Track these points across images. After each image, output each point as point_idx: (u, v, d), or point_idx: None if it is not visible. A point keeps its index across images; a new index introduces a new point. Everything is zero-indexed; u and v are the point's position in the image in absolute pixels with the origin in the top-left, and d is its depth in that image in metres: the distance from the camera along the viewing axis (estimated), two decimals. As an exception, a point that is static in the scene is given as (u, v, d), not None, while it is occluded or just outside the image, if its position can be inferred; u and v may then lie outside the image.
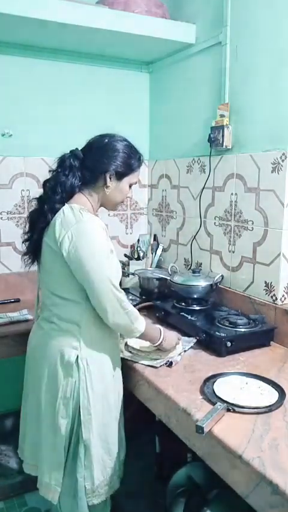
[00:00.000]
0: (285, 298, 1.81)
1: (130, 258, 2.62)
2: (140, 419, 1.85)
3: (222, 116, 2.00)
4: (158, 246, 2.63)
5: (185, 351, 1.67)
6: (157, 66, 2.53)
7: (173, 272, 2.21)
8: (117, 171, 1.46)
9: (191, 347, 1.71)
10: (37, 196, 1.49)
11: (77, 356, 1.41)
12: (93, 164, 1.44)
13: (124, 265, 2.61)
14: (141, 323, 1.45)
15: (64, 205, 1.40)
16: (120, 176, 1.47)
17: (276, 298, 1.81)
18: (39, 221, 1.43)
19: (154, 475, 2.01)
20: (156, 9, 2.16)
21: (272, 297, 1.83)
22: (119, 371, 1.56)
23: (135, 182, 1.56)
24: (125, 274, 2.54)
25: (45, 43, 2.23)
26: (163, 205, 2.61)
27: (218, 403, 1.25)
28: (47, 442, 1.46)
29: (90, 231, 1.35)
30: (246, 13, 1.86)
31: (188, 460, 1.74)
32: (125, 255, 2.65)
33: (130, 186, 1.53)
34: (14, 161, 2.32)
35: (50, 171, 1.48)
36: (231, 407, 1.24)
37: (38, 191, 2.34)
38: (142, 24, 2.07)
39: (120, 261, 2.63)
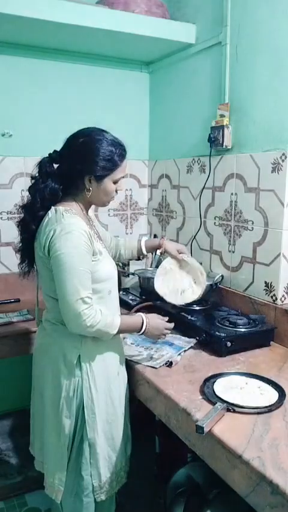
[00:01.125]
0: (285, 298, 1.81)
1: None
2: (140, 419, 1.85)
3: (222, 116, 2.00)
4: (158, 246, 2.62)
5: (184, 351, 1.67)
6: (157, 66, 2.53)
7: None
8: (95, 175, 1.37)
9: (191, 347, 1.71)
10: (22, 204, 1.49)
11: (79, 356, 1.41)
12: (69, 170, 1.38)
13: (124, 265, 2.61)
14: (111, 327, 1.38)
15: (49, 209, 1.38)
16: (99, 178, 1.38)
17: (276, 298, 1.81)
18: (25, 232, 1.43)
19: (154, 475, 2.01)
20: (156, 9, 2.16)
21: (272, 297, 1.83)
22: (123, 368, 1.56)
23: (122, 177, 1.44)
24: (125, 274, 2.54)
25: (45, 43, 2.23)
26: (163, 205, 2.61)
27: (218, 403, 1.25)
28: (51, 441, 1.47)
29: (67, 233, 1.30)
30: (246, 13, 1.86)
31: (188, 460, 1.74)
32: (125, 255, 2.64)
33: (116, 183, 1.43)
34: (14, 161, 2.32)
35: (31, 178, 1.44)
36: (231, 407, 1.24)
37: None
38: (142, 24, 2.07)
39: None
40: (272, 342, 1.76)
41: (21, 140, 2.31)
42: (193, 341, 1.74)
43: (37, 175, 1.42)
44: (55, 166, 1.42)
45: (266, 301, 1.85)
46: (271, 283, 1.83)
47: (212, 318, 1.84)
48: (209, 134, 2.03)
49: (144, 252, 1.81)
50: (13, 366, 2.39)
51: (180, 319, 1.88)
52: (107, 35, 2.06)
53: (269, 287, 1.85)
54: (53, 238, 1.30)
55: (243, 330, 1.70)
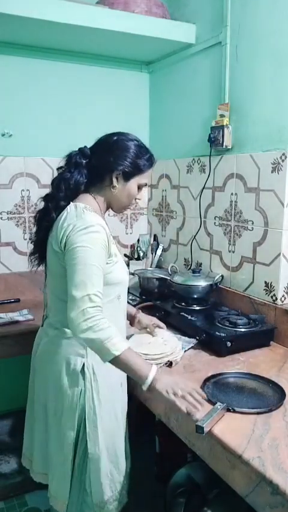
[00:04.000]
0: (285, 298, 1.81)
1: (130, 258, 2.61)
2: (140, 419, 1.85)
3: (222, 116, 2.00)
4: (158, 246, 2.63)
5: (185, 351, 1.67)
6: (157, 66, 2.53)
7: (173, 272, 2.21)
8: (124, 171, 1.37)
9: (191, 347, 1.71)
10: (43, 195, 1.44)
11: (83, 364, 1.34)
12: (100, 163, 1.37)
13: (124, 265, 2.61)
14: (113, 344, 1.19)
15: (69, 203, 1.34)
16: (127, 176, 1.38)
17: (276, 298, 1.81)
18: (44, 220, 1.39)
19: (154, 475, 2.01)
20: (156, 9, 2.16)
21: (272, 297, 1.83)
22: (125, 379, 1.48)
23: (145, 184, 1.45)
24: (125, 274, 2.54)
25: (45, 43, 2.23)
26: (163, 205, 2.61)
27: (218, 403, 1.24)
28: (55, 454, 1.40)
29: (87, 228, 1.26)
30: (246, 13, 1.86)
31: (188, 460, 1.74)
32: (125, 255, 2.64)
33: (139, 188, 1.43)
34: (14, 161, 2.32)
35: (57, 169, 1.43)
36: (231, 407, 1.24)
37: (38, 191, 2.38)
38: (142, 24, 2.07)
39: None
40: (272, 342, 1.76)
41: (21, 140, 2.31)
42: (193, 341, 1.74)
43: (64, 165, 1.41)
44: (83, 160, 1.40)
45: (266, 301, 1.85)
46: (271, 283, 1.83)
47: (212, 318, 1.84)
48: (209, 134, 2.03)
49: None
50: (13, 366, 2.38)
51: (180, 319, 1.89)
52: (107, 35, 2.06)
53: (269, 287, 1.85)
54: (70, 233, 1.25)
55: (243, 330, 1.70)
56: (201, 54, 2.18)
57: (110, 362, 1.21)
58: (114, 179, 1.37)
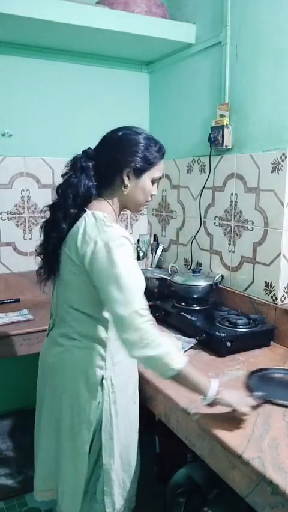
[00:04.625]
0: (285, 298, 1.81)
1: (130, 258, 2.61)
2: (140, 419, 1.84)
3: (222, 116, 2.00)
4: (158, 246, 2.63)
5: (185, 351, 1.67)
6: (157, 66, 2.53)
7: (173, 272, 2.21)
8: (134, 168, 1.27)
9: (191, 347, 1.71)
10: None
11: (102, 376, 1.29)
12: (107, 163, 1.28)
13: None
14: (172, 359, 1.14)
15: (82, 210, 1.24)
16: (139, 172, 1.28)
17: (276, 298, 1.81)
18: (53, 231, 1.27)
19: (154, 475, 2.01)
20: (156, 9, 2.16)
21: (272, 297, 1.83)
22: (137, 387, 1.45)
23: (159, 178, 1.35)
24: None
25: (45, 43, 2.23)
26: (163, 205, 2.61)
27: (257, 392, 1.28)
28: (68, 469, 1.35)
29: (114, 247, 1.17)
30: (246, 13, 1.86)
31: (188, 460, 1.74)
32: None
33: (153, 182, 1.33)
34: (14, 161, 2.32)
35: (62, 175, 1.33)
36: (269, 398, 1.27)
37: (38, 191, 2.38)
38: (142, 24, 2.07)
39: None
40: (272, 342, 1.76)
41: (21, 140, 2.31)
42: (193, 341, 1.74)
43: (70, 171, 1.30)
44: (90, 163, 1.30)
45: (266, 301, 1.85)
46: (271, 283, 1.83)
47: (212, 318, 1.84)
48: (209, 134, 2.03)
49: None
50: (13, 366, 2.38)
51: (180, 319, 1.89)
52: (107, 35, 2.06)
53: (269, 287, 1.85)
54: (97, 250, 1.17)
55: (243, 330, 1.70)
56: (201, 55, 2.18)
57: (169, 378, 1.16)
58: (126, 178, 1.28)
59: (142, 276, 1.22)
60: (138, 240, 2.71)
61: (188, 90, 2.31)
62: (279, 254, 1.78)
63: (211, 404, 1.18)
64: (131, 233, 2.71)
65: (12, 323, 1.95)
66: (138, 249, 2.64)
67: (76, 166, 1.29)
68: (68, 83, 2.39)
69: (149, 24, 2.09)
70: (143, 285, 1.21)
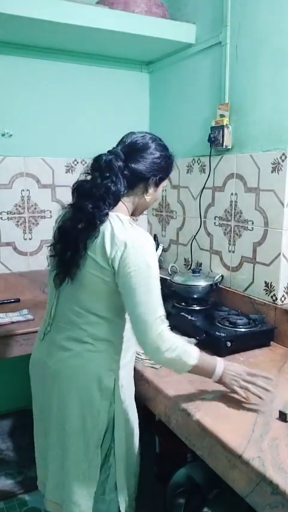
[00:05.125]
0: (285, 298, 1.81)
1: (130, 258, 2.61)
2: (140, 419, 1.84)
3: (222, 116, 2.00)
4: (158, 246, 2.62)
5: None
6: (157, 66, 2.53)
7: (173, 272, 2.21)
8: (159, 177, 1.32)
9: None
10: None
11: (114, 379, 1.30)
12: (137, 169, 1.27)
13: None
14: (189, 355, 1.23)
15: (110, 216, 1.23)
16: (159, 182, 1.34)
17: (276, 298, 1.81)
18: (83, 234, 1.21)
19: (154, 475, 2.01)
20: (156, 9, 2.16)
21: (272, 297, 1.83)
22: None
23: (166, 185, 1.45)
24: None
25: (45, 43, 2.23)
26: (163, 205, 2.61)
27: None
28: (77, 474, 1.31)
29: (143, 249, 1.20)
30: (246, 13, 1.86)
31: (188, 460, 1.74)
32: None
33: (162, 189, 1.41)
34: (14, 161, 2.32)
35: (83, 174, 1.29)
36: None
37: (38, 191, 2.38)
38: (142, 24, 2.07)
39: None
40: (272, 342, 1.76)
41: (21, 140, 2.31)
42: (193, 340, 1.74)
43: (106, 173, 1.24)
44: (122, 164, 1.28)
45: (266, 301, 1.85)
46: (271, 283, 1.83)
47: (212, 318, 1.84)
48: (209, 134, 2.03)
49: None
50: (13, 366, 2.38)
51: (180, 319, 1.88)
52: (107, 35, 2.06)
53: (269, 287, 1.85)
54: (126, 254, 1.17)
55: (243, 330, 1.70)
56: (201, 55, 2.18)
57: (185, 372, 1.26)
58: (150, 186, 1.32)
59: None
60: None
61: (188, 90, 2.31)
62: (279, 254, 1.78)
63: (219, 381, 1.29)
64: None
65: (12, 323, 1.95)
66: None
67: (111, 166, 1.24)
68: (68, 83, 2.39)
69: (149, 24, 2.09)
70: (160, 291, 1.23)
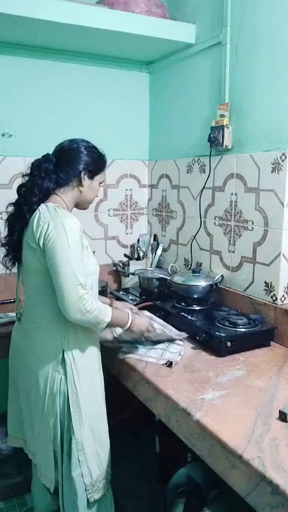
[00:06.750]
0: (285, 298, 1.81)
1: (130, 258, 2.62)
2: (140, 419, 1.85)
3: (222, 116, 2.00)
4: (158, 246, 2.63)
5: (180, 354, 1.67)
6: (157, 66, 2.53)
7: (173, 272, 2.21)
8: (90, 170, 1.54)
9: (192, 347, 1.71)
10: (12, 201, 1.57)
11: (63, 351, 1.45)
12: (68, 166, 1.51)
13: (124, 265, 2.61)
14: (105, 315, 1.45)
15: (40, 205, 1.47)
16: (92, 174, 1.55)
17: (276, 298, 1.81)
18: (18, 223, 1.49)
19: (154, 475, 2.01)
20: (156, 9, 2.16)
21: (272, 297, 1.83)
22: (100, 363, 1.61)
23: (104, 181, 1.67)
24: (125, 274, 2.55)
25: (45, 43, 2.23)
26: (163, 205, 2.61)
27: None
28: (39, 438, 1.52)
29: (63, 225, 1.39)
30: (246, 13, 1.86)
31: (188, 460, 1.74)
32: (125, 255, 2.65)
33: (99, 184, 1.61)
34: (14, 161, 2.31)
35: (23, 176, 1.55)
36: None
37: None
38: (142, 24, 2.07)
39: (120, 261, 2.65)
40: (272, 342, 1.77)
41: (21, 140, 2.31)
42: (183, 334, 1.75)
43: (34, 172, 1.51)
44: (51, 166, 1.53)
45: (266, 301, 1.85)
46: (271, 283, 1.83)
47: (212, 318, 1.84)
48: (209, 134, 2.03)
49: None
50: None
51: (180, 319, 1.89)
52: (107, 35, 2.06)
53: (269, 287, 1.85)
54: (48, 231, 1.37)
55: (243, 330, 1.70)
56: (201, 54, 2.18)
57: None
58: (83, 178, 1.53)
59: (81, 254, 1.41)
60: (138, 240, 2.71)
61: (188, 90, 2.31)
62: (279, 254, 1.78)
63: (129, 330, 1.58)
64: (131, 233, 2.73)
65: (12, 322, 1.94)
66: (138, 249, 2.64)
67: (40, 168, 1.51)
68: (68, 83, 2.39)
69: (149, 24, 2.09)
70: (81, 263, 1.40)
